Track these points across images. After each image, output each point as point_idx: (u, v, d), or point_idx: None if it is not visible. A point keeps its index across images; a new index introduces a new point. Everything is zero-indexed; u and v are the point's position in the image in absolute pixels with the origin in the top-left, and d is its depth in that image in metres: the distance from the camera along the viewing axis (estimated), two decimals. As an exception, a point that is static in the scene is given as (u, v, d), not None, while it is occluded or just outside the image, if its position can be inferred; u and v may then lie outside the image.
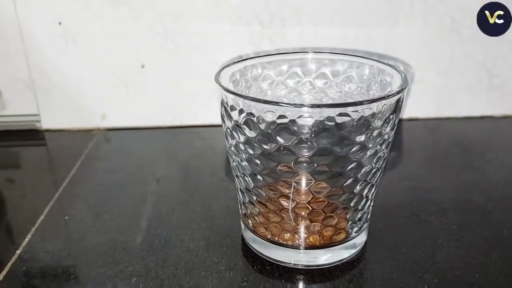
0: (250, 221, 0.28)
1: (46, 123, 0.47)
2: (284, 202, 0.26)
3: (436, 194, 0.35)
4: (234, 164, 0.27)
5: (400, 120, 0.48)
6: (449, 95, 0.47)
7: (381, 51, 0.44)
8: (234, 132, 0.25)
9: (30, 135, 0.47)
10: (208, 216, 0.32)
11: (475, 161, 0.41)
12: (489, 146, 0.43)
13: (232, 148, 0.26)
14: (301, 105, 0.23)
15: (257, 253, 0.28)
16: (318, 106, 0.24)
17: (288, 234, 0.27)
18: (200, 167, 0.40)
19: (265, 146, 0.24)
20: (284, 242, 0.27)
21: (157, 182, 0.38)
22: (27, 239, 0.30)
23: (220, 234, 0.30)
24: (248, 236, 0.29)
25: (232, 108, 0.25)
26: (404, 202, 0.34)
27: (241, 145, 0.25)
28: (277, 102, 0.22)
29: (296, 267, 0.27)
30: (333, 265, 0.27)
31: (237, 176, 0.27)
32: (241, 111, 0.24)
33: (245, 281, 0.26)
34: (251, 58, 0.30)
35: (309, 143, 0.23)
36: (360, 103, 0.23)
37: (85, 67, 0.45)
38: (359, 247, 0.28)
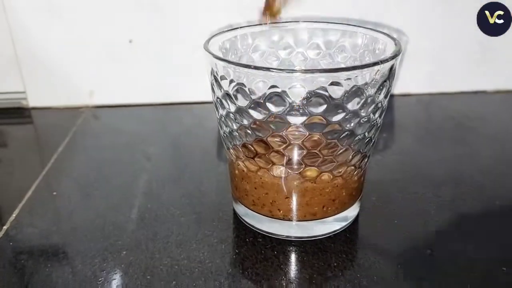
0: (241, 194, 0.27)
1: (33, 101, 0.46)
2: (276, 173, 0.25)
3: (429, 168, 0.35)
4: (225, 135, 0.26)
5: (393, 96, 0.47)
6: (442, 70, 0.47)
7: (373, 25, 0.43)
8: (224, 102, 0.25)
9: (17, 113, 0.46)
10: (199, 191, 0.32)
11: (468, 136, 0.40)
12: (482, 121, 0.43)
13: (223, 119, 0.26)
14: (293, 71, 0.22)
15: (249, 226, 0.28)
16: (311, 71, 0.24)
17: (280, 209, 0.26)
18: (191, 144, 0.40)
19: (256, 115, 0.24)
20: (277, 216, 0.26)
21: (147, 159, 0.37)
22: (14, 215, 0.30)
23: (212, 208, 0.30)
24: (240, 210, 0.28)
25: (222, 78, 0.24)
26: (397, 175, 0.34)
27: (231, 114, 0.25)
28: (268, 68, 0.22)
29: (289, 239, 0.27)
30: (325, 236, 0.27)
31: (228, 148, 0.27)
32: (231, 81, 0.24)
33: (237, 253, 0.26)
34: (241, 27, 0.29)
35: (301, 111, 0.23)
36: (354, 68, 0.22)
37: (71, 43, 0.43)
38: (350, 220, 0.28)
